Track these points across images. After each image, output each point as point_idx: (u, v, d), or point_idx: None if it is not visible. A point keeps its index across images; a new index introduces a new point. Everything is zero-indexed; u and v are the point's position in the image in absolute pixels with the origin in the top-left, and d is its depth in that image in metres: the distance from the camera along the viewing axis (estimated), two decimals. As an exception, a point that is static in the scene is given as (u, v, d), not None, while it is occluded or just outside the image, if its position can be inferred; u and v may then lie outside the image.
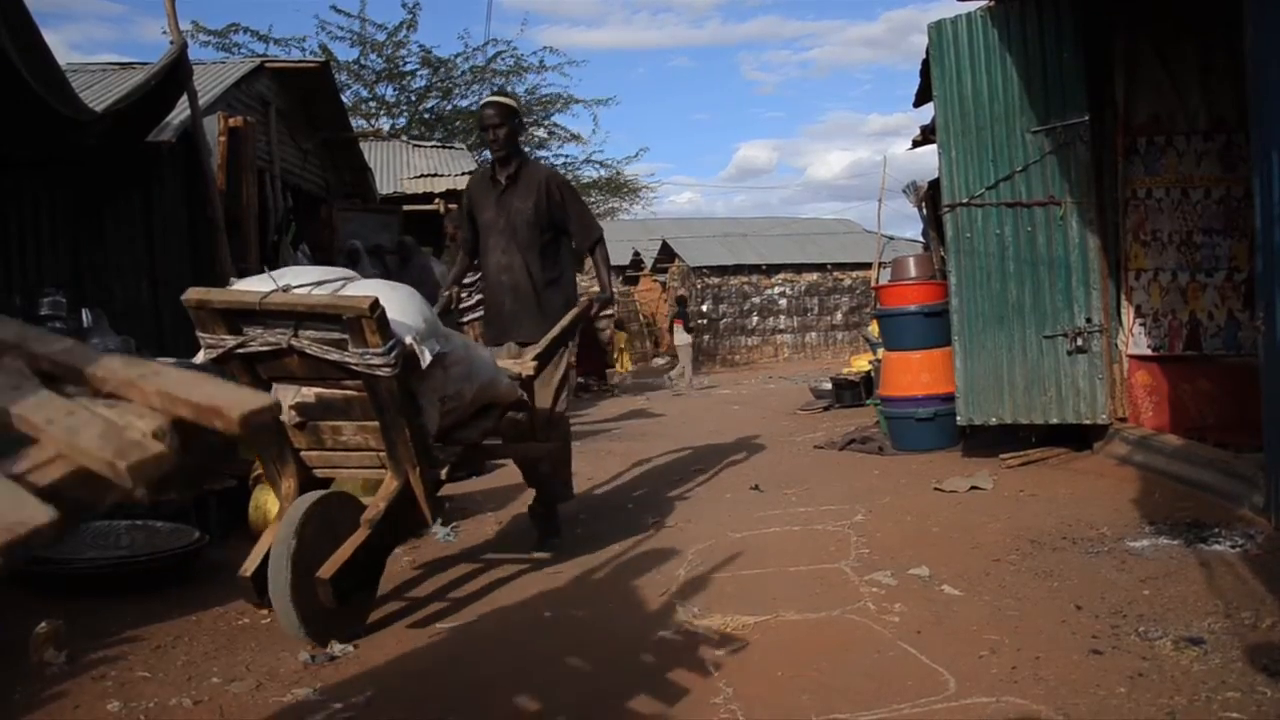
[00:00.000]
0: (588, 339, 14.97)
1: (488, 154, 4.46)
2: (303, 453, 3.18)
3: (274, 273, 3.07)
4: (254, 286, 2.98)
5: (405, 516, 3.10)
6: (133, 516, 3.66)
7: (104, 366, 1.44)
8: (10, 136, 4.98)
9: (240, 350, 2.88)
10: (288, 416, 3.13)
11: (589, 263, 4.56)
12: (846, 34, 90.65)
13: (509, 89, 24.49)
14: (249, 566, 2.93)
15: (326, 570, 2.76)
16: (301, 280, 2.97)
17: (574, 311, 4.07)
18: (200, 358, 2.99)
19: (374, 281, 3.19)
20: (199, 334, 2.96)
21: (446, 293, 4.30)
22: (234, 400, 1.28)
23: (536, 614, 3.14)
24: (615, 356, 16.42)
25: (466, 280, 5.37)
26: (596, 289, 4.28)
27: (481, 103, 4.50)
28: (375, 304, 2.66)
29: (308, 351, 2.80)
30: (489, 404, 3.50)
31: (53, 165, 6.00)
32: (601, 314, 4.45)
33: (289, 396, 3.15)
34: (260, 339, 2.85)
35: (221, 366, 2.98)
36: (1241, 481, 3.86)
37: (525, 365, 3.69)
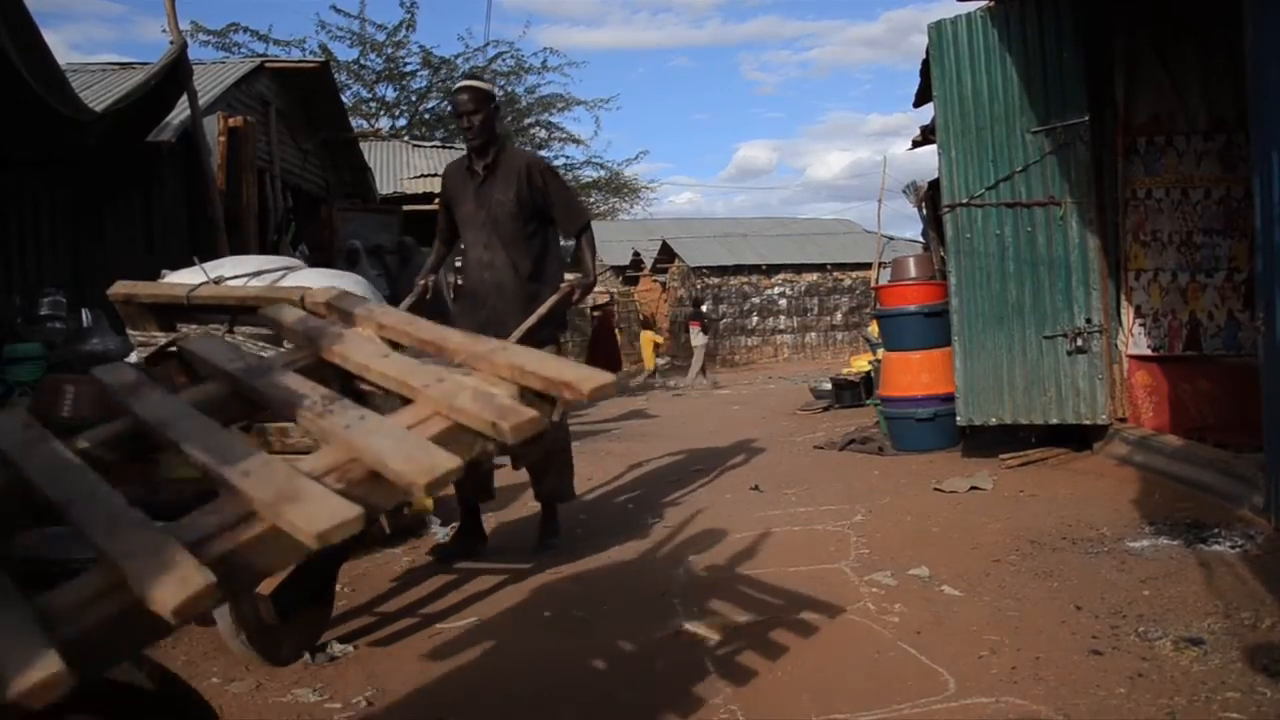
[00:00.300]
0: (602, 336, 14.99)
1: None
2: None
3: (210, 264, 2.88)
4: (187, 279, 2.79)
5: None
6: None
7: (453, 341, 1.73)
8: (10, 136, 4.98)
9: (173, 348, 2.58)
10: None
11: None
12: (846, 34, 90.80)
13: (510, 89, 24.50)
14: None
15: (266, 585, 2.51)
16: (238, 271, 2.79)
17: (554, 298, 3.83)
18: (133, 358, 2.75)
19: (318, 271, 2.99)
20: (129, 331, 2.73)
21: (422, 282, 4.08)
22: (582, 375, 1.50)
23: (536, 614, 3.13)
24: (650, 353, 16.47)
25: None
26: (595, 279, 4.12)
27: (454, 87, 4.15)
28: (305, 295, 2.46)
29: (243, 349, 2.51)
30: None
31: (53, 165, 6.00)
32: (583, 299, 4.16)
33: None
34: (194, 335, 2.59)
35: (154, 368, 2.66)
36: (1241, 482, 3.86)
37: None
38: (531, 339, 3.58)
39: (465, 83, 4.05)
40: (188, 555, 1.14)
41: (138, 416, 1.62)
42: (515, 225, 3.94)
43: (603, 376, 1.48)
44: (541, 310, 3.73)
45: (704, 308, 19.75)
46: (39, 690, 0.97)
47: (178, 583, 1.08)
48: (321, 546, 1.20)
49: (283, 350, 1.88)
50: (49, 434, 1.59)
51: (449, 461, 1.32)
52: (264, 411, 1.77)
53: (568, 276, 4.13)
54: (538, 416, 1.43)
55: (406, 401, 1.58)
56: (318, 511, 1.23)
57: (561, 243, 4.42)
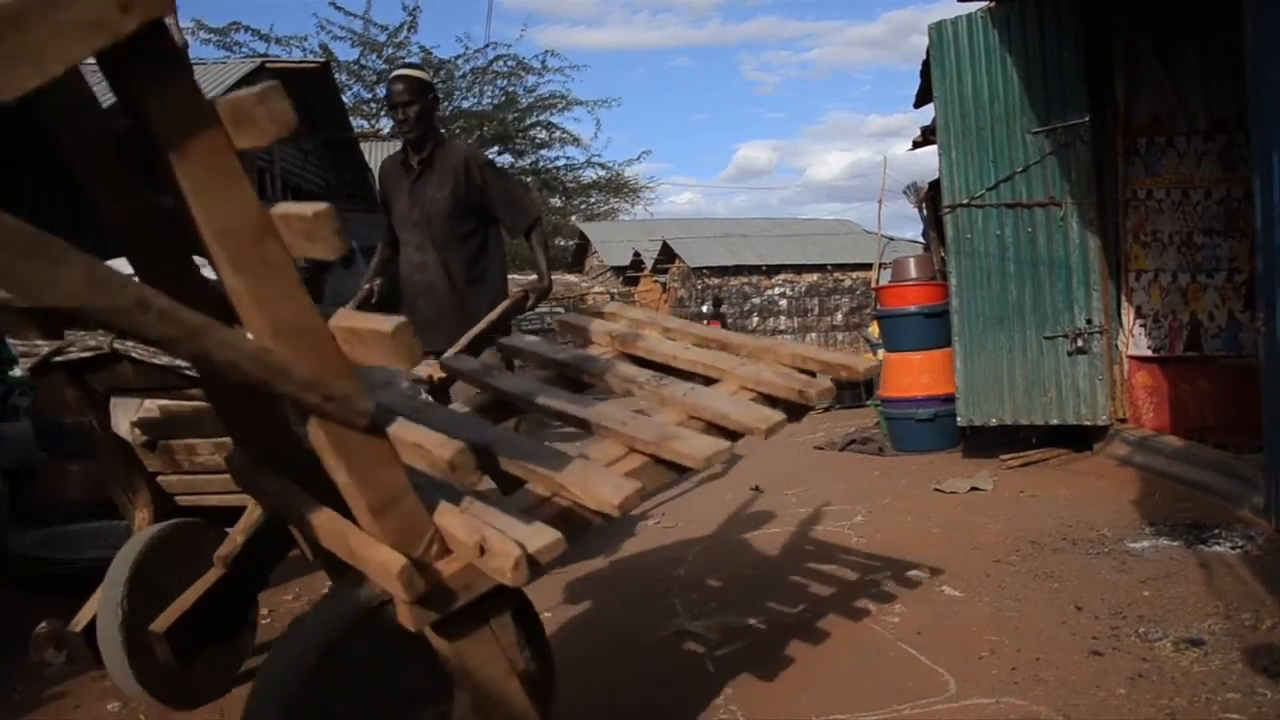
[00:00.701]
0: None
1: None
2: (158, 478, 2.72)
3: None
4: None
5: (274, 551, 2.41)
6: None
7: (738, 339, 2.13)
8: (12, 138, 4.99)
9: (59, 358, 2.45)
10: (131, 435, 2.67)
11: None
12: (846, 34, 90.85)
13: (511, 89, 24.49)
14: (80, 619, 2.41)
15: (161, 623, 2.22)
16: (128, 271, 2.69)
17: (503, 305, 3.48)
18: (19, 370, 2.59)
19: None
20: (9, 340, 2.57)
21: (367, 285, 3.87)
22: (855, 359, 1.91)
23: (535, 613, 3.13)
24: None
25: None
26: (590, 289, 4.06)
27: (390, 76, 3.86)
28: None
29: (134, 356, 2.40)
30: None
31: (54, 167, 6.00)
32: (538, 305, 3.84)
33: (130, 412, 2.67)
34: (80, 343, 2.42)
35: (41, 379, 2.52)
36: (1242, 482, 3.86)
37: (434, 366, 3.13)
38: (476, 349, 3.21)
39: (401, 71, 3.78)
40: (608, 470, 1.51)
41: (500, 389, 2.04)
42: (449, 224, 3.71)
43: (873, 362, 1.77)
44: (492, 316, 3.41)
45: (703, 307, 19.77)
46: (548, 549, 1.28)
47: (614, 486, 1.46)
48: (701, 470, 1.56)
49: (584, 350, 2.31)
50: (430, 399, 2.02)
51: (776, 415, 1.72)
52: (587, 389, 2.15)
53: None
54: (833, 385, 1.80)
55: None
56: (699, 444, 1.58)
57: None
